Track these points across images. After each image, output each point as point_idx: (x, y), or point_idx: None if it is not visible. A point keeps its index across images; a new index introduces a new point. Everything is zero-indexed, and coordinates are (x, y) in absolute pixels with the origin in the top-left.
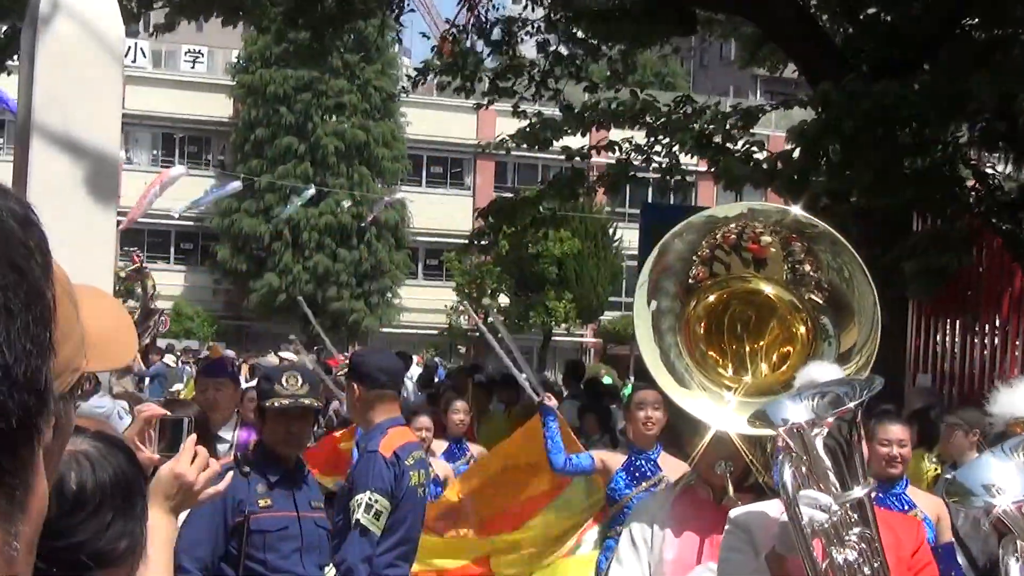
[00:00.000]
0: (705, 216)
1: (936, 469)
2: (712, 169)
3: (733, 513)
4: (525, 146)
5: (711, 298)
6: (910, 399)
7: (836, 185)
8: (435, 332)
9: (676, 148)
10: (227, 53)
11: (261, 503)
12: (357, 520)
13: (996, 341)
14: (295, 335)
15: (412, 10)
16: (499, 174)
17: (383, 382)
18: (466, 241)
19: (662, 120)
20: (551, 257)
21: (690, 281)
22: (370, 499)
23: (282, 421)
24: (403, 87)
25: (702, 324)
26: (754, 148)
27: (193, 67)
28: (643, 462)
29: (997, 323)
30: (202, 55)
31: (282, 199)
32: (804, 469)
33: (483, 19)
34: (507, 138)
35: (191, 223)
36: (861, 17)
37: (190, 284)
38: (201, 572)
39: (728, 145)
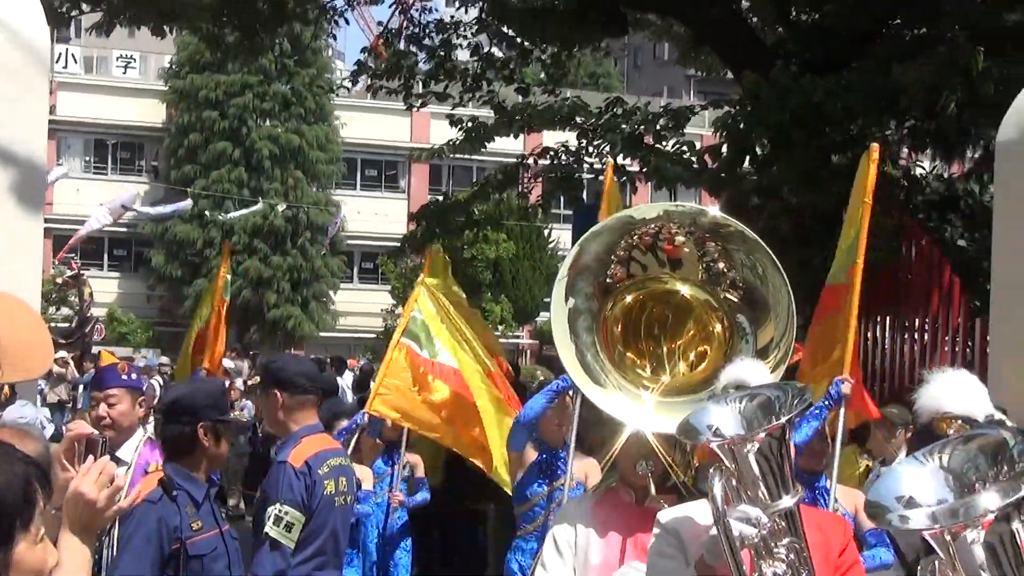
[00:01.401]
0: (623, 218)
1: (868, 465)
2: (643, 169)
3: (662, 516)
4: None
5: (628, 299)
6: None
7: (765, 182)
8: (372, 336)
9: (607, 149)
10: (160, 58)
11: (194, 526)
12: (266, 533)
13: (926, 338)
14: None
15: (347, 21)
16: (433, 177)
17: (305, 387)
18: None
19: (592, 122)
20: (486, 260)
21: (607, 281)
22: (279, 511)
23: None
24: (341, 84)
25: (619, 325)
26: (684, 148)
27: (125, 72)
28: (554, 460)
29: (927, 320)
30: (134, 60)
31: (216, 204)
32: (734, 481)
33: (416, 22)
34: (443, 147)
35: (124, 230)
36: (791, 18)
37: (124, 291)
38: None
39: (659, 145)
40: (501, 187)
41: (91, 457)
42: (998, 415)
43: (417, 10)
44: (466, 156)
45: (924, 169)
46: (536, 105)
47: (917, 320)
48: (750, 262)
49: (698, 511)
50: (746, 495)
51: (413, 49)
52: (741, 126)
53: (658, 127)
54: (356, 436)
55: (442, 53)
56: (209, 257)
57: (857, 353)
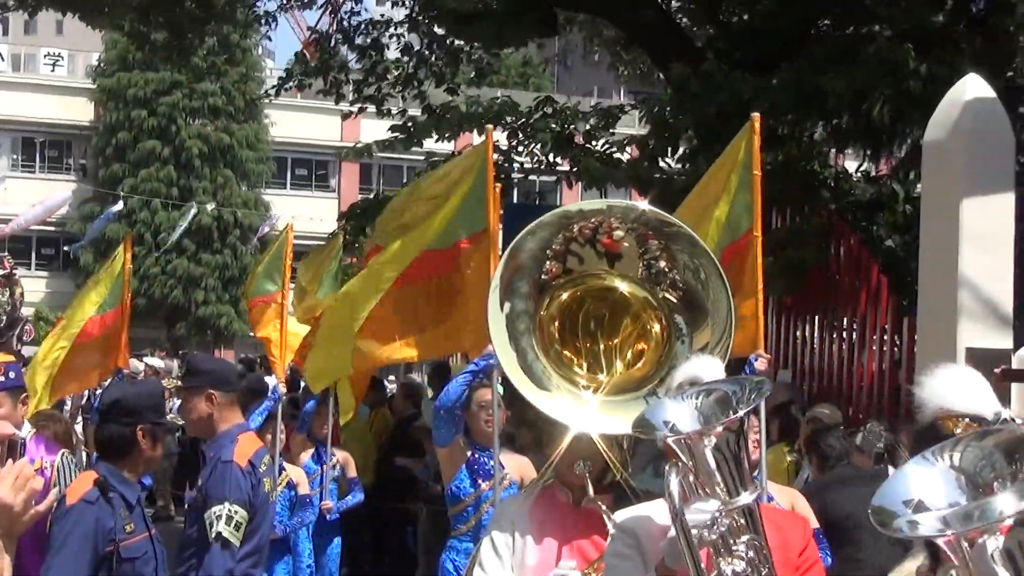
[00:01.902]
0: (559, 212)
1: (795, 460)
2: (574, 169)
3: (619, 517)
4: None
5: (564, 296)
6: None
7: (692, 181)
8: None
9: (537, 149)
10: (88, 56)
11: (127, 528)
12: (219, 533)
13: (855, 336)
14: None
15: (276, 20)
16: (364, 176)
17: (235, 385)
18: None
19: (522, 121)
20: None
21: (543, 277)
22: (230, 511)
23: None
24: (267, 92)
25: (556, 323)
26: (614, 148)
27: (53, 70)
28: (485, 460)
29: (856, 319)
30: (62, 58)
31: (145, 203)
32: (691, 478)
33: (347, 24)
34: (371, 145)
35: (52, 228)
36: (721, 18)
37: (52, 290)
38: None
39: (589, 145)
40: None
41: (10, 461)
42: (1007, 413)
43: (347, 12)
44: (396, 155)
45: (851, 168)
46: (467, 103)
47: (846, 319)
48: (693, 265)
49: (655, 511)
50: (703, 492)
51: (343, 49)
52: (668, 118)
53: (588, 126)
54: (285, 435)
55: (372, 53)
56: (137, 255)
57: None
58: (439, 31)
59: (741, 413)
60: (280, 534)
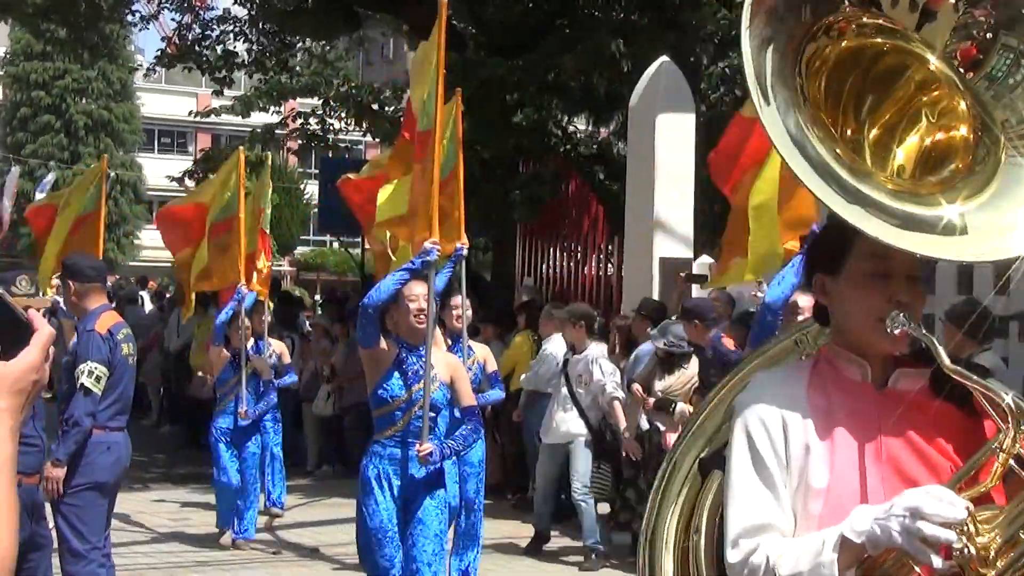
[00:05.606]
0: None
1: (536, 342)
2: (371, 129)
3: None
4: (231, 118)
5: (850, 46)
6: (519, 295)
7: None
8: (168, 264)
9: (344, 114)
10: None
11: None
12: (82, 384)
13: (579, 252)
14: None
15: (147, 23)
16: (214, 143)
17: (92, 276)
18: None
19: (333, 93)
20: None
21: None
22: (91, 367)
23: None
24: (147, 70)
25: (837, 90)
26: (400, 114)
27: None
28: (414, 360)
29: (580, 239)
30: None
31: (43, 164)
32: None
33: (202, 18)
34: (218, 109)
35: None
36: (481, 18)
37: None
38: None
39: (385, 111)
40: (263, 141)
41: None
42: None
43: (201, 9)
44: (238, 126)
45: (579, 129)
46: (288, 80)
47: (574, 240)
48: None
49: None
50: None
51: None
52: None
53: (382, 98)
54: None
55: (221, 45)
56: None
57: None
58: (267, 27)
59: None
60: (251, 416)
